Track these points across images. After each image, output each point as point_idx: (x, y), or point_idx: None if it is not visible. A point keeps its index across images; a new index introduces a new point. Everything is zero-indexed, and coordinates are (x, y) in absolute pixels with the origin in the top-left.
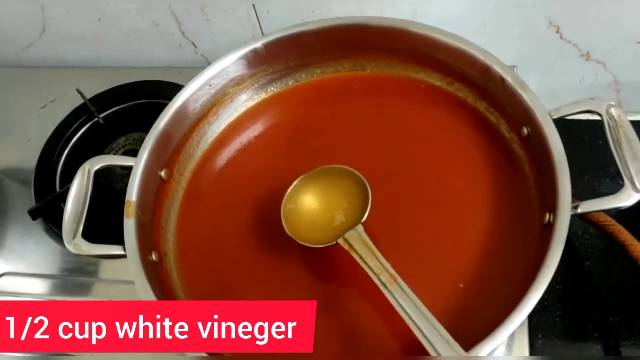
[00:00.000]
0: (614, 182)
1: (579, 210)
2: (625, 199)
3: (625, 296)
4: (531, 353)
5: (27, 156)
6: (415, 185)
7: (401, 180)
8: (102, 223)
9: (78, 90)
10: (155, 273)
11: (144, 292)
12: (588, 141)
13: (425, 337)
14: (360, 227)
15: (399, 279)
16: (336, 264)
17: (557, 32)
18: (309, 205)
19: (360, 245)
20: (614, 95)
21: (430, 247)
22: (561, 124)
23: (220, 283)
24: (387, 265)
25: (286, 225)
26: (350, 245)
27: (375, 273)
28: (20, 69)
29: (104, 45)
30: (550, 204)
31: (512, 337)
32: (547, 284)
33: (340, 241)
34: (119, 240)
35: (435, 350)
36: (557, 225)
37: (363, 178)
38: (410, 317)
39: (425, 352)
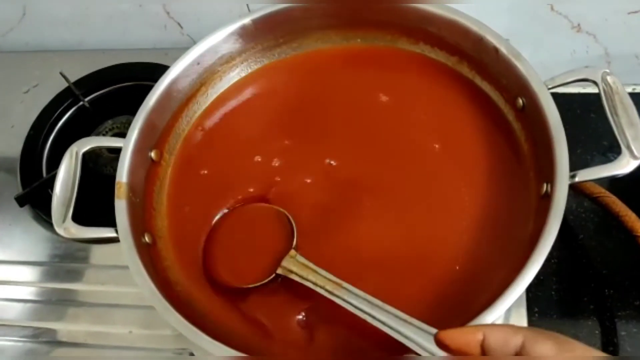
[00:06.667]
0: (605, 156)
1: (577, 179)
2: (623, 166)
3: (620, 268)
4: (529, 326)
5: (12, 143)
6: (408, 160)
7: (393, 153)
8: (92, 208)
9: (62, 74)
10: (148, 255)
11: (138, 274)
12: (580, 114)
13: (389, 326)
14: (292, 252)
15: (344, 284)
16: None
17: (548, 4)
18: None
19: (299, 268)
20: (605, 67)
21: (426, 222)
22: (553, 97)
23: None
24: (329, 275)
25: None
26: (289, 270)
27: (319, 286)
28: (0, 54)
29: (87, 28)
30: (547, 174)
31: (509, 312)
32: (547, 254)
33: (279, 271)
34: (110, 224)
35: (402, 335)
36: (555, 195)
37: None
38: (365, 312)
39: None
